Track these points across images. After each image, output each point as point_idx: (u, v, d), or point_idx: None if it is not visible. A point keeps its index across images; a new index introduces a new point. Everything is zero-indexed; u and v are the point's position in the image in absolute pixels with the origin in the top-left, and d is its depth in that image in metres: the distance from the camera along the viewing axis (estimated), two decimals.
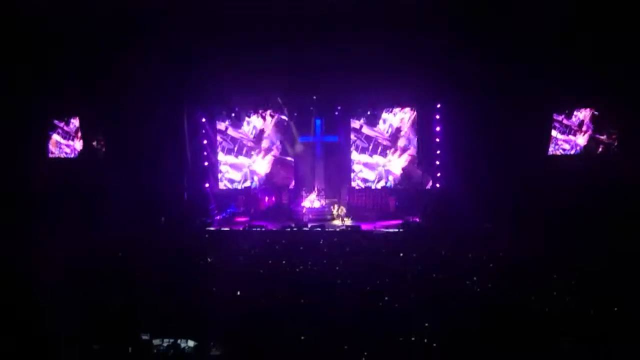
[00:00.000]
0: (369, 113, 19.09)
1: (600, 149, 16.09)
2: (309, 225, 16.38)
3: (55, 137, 18.64)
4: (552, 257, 10.87)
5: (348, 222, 16.84)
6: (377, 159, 19.33)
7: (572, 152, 16.50)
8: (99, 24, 13.95)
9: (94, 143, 18.34)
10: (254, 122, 19.60)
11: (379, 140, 19.23)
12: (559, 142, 16.67)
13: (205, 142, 19.09)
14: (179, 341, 6.36)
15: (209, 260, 11.02)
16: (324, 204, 18.53)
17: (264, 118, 19.55)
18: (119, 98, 16.59)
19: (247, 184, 19.73)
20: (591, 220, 13.82)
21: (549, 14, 13.58)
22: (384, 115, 19.08)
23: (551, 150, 16.72)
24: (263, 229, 16.06)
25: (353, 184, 19.43)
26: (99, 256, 11.20)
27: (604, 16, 13.42)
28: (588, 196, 14.67)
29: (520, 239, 13.43)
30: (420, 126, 18.71)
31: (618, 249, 11.72)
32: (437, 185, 18.09)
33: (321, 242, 13.02)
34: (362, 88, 17.91)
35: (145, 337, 6.45)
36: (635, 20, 13.07)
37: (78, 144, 18.50)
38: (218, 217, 18.28)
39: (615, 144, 15.85)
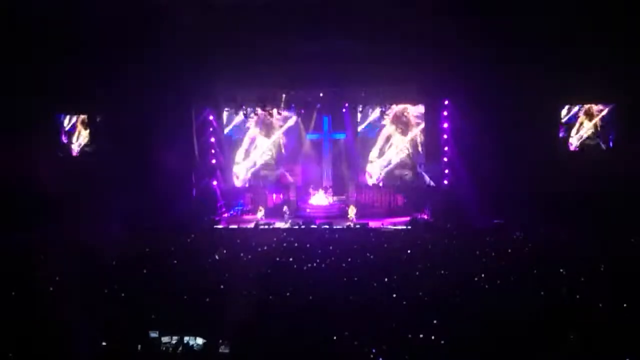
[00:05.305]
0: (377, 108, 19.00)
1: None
2: (317, 223, 16.37)
3: (64, 134, 18.79)
4: (561, 254, 10.81)
5: (356, 219, 16.78)
6: None
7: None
8: (106, 24, 13.98)
9: (103, 141, 18.41)
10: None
11: None
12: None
13: (212, 139, 19.03)
14: (187, 339, 6.40)
15: (216, 257, 11.06)
16: (331, 202, 18.48)
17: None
18: (127, 97, 16.63)
19: None
20: (601, 217, 13.72)
21: (551, 14, 13.67)
22: None
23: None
24: (271, 227, 16.08)
25: None
26: (108, 253, 11.26)
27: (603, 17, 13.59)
28: (597, 192, 14.56)
29: (529, 235, 13.38)
30: (428, 122, 18.58)
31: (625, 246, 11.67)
32: (445, 181, 17.98)
33: (329, 240, 13.02)
34: (369, 85, 17.83)
35: (153, 335, 6.49)
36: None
37: (87, 142, 18.66)
38: (226, 215, 18.31)
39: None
